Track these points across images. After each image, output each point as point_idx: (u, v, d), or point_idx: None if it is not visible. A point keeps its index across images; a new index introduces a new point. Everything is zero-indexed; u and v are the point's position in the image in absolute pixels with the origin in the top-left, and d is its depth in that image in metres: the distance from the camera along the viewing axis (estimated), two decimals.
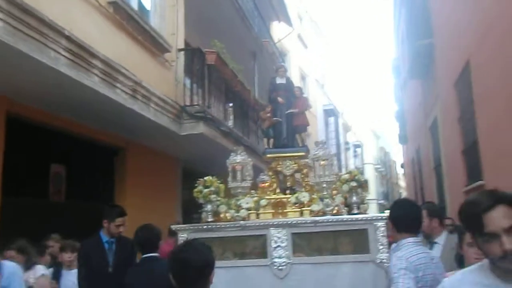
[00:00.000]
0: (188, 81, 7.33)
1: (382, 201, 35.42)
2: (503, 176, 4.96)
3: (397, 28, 15.78)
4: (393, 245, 2.97)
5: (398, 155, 33.58)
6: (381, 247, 3.48)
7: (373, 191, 33.63)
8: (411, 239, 2.56)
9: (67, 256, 4.32)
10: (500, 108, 5.08)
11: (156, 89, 5.97)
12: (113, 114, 5.56)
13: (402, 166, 25.90)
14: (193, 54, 7.33)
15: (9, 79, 4.32)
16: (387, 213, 3.36)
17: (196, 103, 6.90)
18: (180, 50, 7.18)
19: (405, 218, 2.66)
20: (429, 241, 3.78)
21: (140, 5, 6.61)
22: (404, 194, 37.25)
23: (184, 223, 8.03)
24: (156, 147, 7.39)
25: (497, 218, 1.38)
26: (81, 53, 4.45)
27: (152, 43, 6.31)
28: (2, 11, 3.45)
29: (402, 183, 38.53)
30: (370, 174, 33.48)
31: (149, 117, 5.85)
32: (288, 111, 4.75)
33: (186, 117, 6.67)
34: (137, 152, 7.03)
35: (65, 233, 4.75)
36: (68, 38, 4.24)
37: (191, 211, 6.60)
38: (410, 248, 2.51)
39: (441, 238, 3.74)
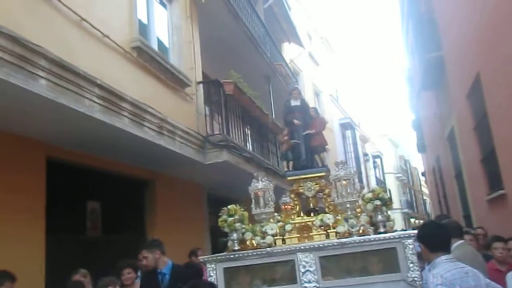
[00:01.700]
0: (208, 111, 7.66)
1: (406, 210, 35.03)
2: None
3: (406, 40, 15.94)
4: (429, 265, 3.03)
5: (418, 162, 33.19)
6: (411, 265, 3.46)
7: (396, 201, 33.34)
8: (444, 257, 2.69)
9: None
10: None
11: (180, 123, 6.29)
12: (142, 150, 5.87)
13: (423, 174, 25.71)
14: (211, 85, 7.67)
15: (48, 127, 4.68)
16: (413, 227, 3.41)
17: (217, 132, 7.21)
18: (199, 83, 7.53)
19: (435, 237, 2.78)
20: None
21: (160, 44, 7.00)
22: (428, 201, 36.75)
23: (212, 246, 8.29)
24: (182, 177, 7.68)
25: None
26: (111, 98, 4.78)
27: (173, 80, 6.67)
28: (44, 70, 3.81)
29: (425, 190, 38.00)
30: (391, 184, 33.27)
31: (175, 150, 6.16)
32: (305, 133, 4.83)
33: (209, 146, 6.95)
34: (165, 183, 7.34)
35: (102, 267, 4.98)
36: (100, 86, 4.58)
37: (218, 234, 6.83)
38: (444, 265, 2.65)
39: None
